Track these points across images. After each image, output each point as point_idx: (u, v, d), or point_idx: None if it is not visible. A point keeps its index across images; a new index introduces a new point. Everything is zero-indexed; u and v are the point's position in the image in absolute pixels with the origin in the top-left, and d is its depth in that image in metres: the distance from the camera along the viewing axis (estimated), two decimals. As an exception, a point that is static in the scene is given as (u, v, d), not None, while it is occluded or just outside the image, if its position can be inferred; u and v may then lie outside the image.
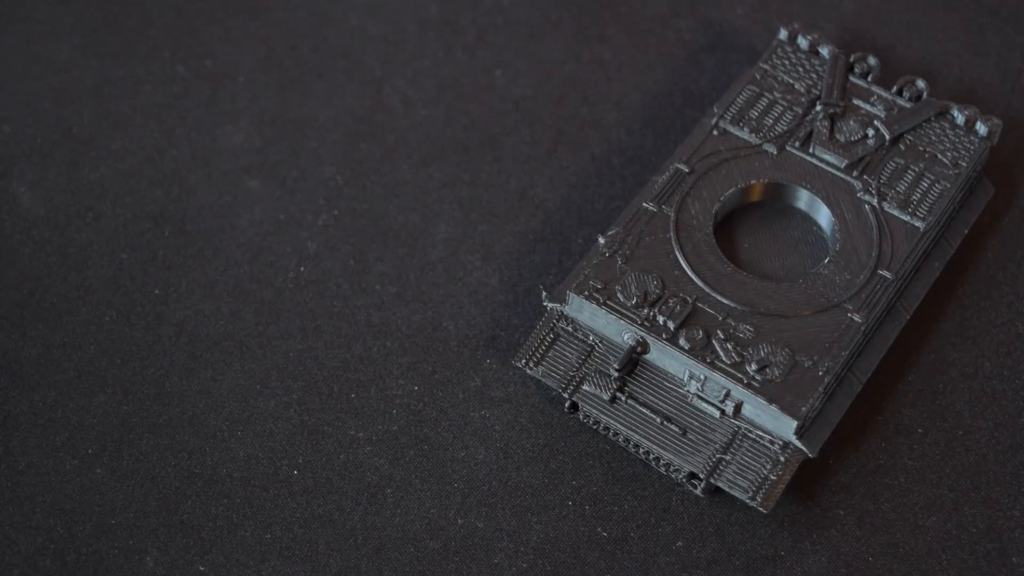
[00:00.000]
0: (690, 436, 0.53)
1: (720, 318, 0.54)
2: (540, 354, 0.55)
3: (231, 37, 0.66)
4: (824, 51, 0.61)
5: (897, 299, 0.56)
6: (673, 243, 0.56)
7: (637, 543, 0.53)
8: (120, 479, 0.54)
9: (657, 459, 0.54)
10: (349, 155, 0.62)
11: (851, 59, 0.61)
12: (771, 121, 0.59)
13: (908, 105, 0.59)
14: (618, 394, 0.54)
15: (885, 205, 0.57)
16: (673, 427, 0.53)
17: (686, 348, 0.53)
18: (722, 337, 0.54)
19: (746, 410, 0.53)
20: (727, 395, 0.53)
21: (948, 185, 0.57)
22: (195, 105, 0.63)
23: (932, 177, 0.58)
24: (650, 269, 0.55)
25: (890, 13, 0.66)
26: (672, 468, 0.54)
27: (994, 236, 0.60)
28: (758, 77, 0.60)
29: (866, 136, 0.58)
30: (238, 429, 0.56)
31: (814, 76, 0.60)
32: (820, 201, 0.58)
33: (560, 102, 0.64)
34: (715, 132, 0.59)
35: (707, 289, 0.55)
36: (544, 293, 0.56)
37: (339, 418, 0.56)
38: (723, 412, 0.53)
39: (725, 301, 0.55)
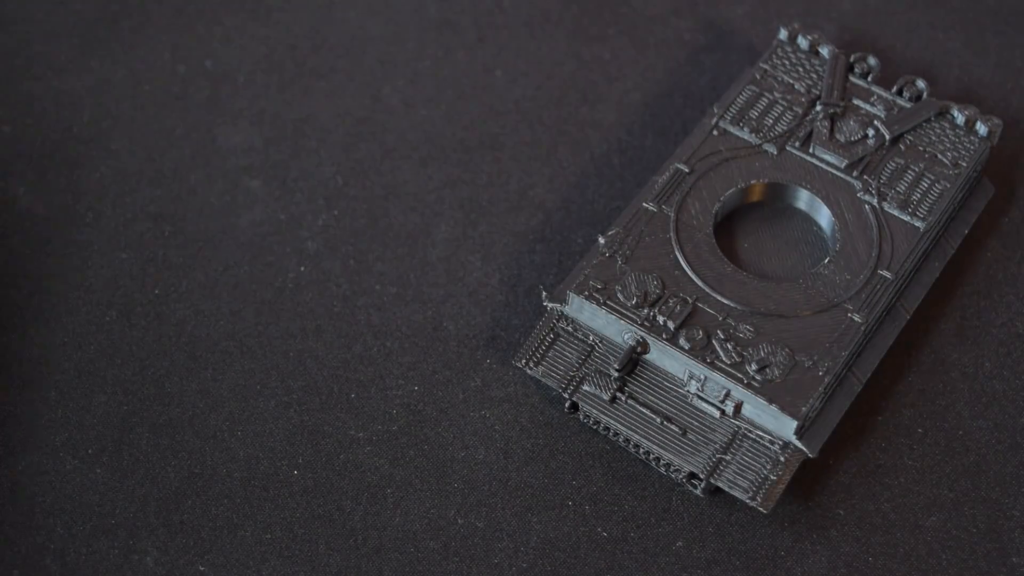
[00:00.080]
0: (690, 436, 0.53)
1: (720, 318, 0.54)
2: (540, 354, 0.55)
3: (231, 37, 0.66)
4: (824, 51, 0.61)
5: (897, 299, 0.56)
6: (673, 243, 0.56)
7: (637, 543, 0.53)
8: (120, 479, 0.54)
9: (657, 459, 0.54)
10: (349, 155, 0.62)
11: (851, 59, 0.61)
12: (771, 121, 0.59)
13: (908, 105, 0.59)
14: (618, 394, 0.54)
15: (885, 205, 0.57)
16: (673, 427, 0.53)
17: (686, 348, 0.53)
18: (722, 337, 0.54)
19: (746, 410, 0.53)
20: (727, 395, 0.53)
21: (948, 185, 0.57)
22: (195, 105, 0.63)
23: (932, 177, 0.58)
24: (650, 269, 0.55)
25: (890, 13, 0.66)
26: (672, 468, 0.54)
27: (994, 236, 0.60)
28: (758, 77, 0.60)
29: (866, 136, 0.58)
30: (238, 429, 0.56)
31: (814, 76, 0.60)
32: (820, 201, 0.58)
33: (560, 102, 0.64)
34: (715, 132, 0.59)
35: (707, 289, 0.55)
36: (544, 293, 0.56)
37: (339, 418, 0.56)
38: (723, 412, 0.53)
39: (725, 301, 0.55)
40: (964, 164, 0.58)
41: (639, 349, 0.54)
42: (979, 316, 0.58)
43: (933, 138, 0.59)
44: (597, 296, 0.54)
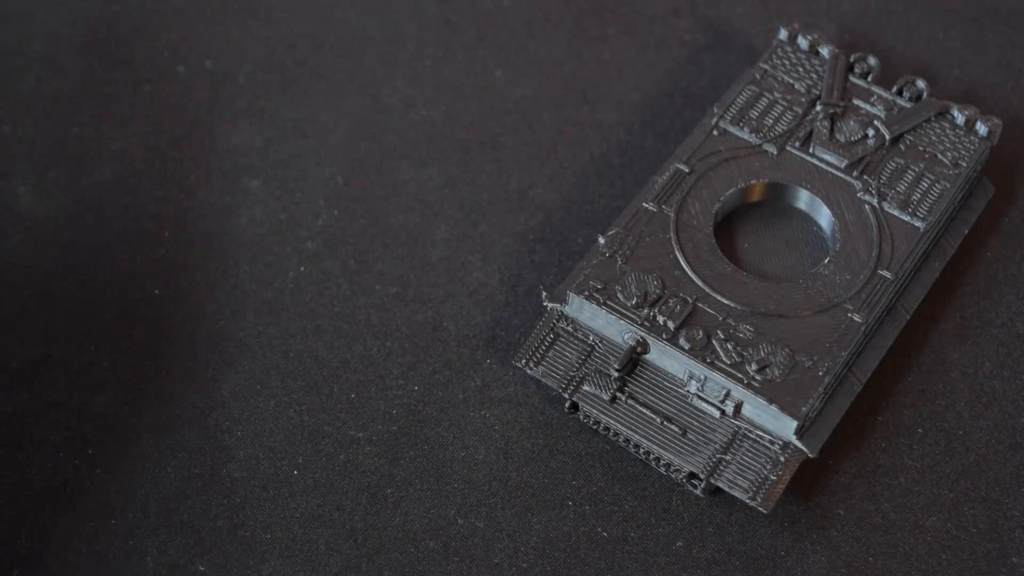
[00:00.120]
0: (690, 436, 0.53)
1: (720, 318, 0.54)
2: (540, 354, 0.55)
3: (231, 37, 0.66)
4: (824, 51, 0.61)
5: (897, 299, 0.56)
6: (673, 243, 0.56)
7: (637, 543, 0.53)
8: (120, 479, 0.54)
9: (657, 459, 0.54)
10: (349, 155, 0.62)
11: (851, 59, 0.61)
12: (771, 121, 0.59)
13: (908, 105, 0.59)
14: (618, 394, 0.54)
15: (885, 205, 0.57)
16: (673, 427, 0.53)
17: (686, 348, 0.53)
18: (722, 337, 0.54)
19: (746, 410, 0.53)
20: (727, 395, 0.53)
21: (948, 185, 0.57)
22: (195, 105, 0.63)
23: (932, 177, 0.58)
24: (650, 269, 0.55)
25: (890, 13, 0.66)
26: (672, 468, 0.54)
27: (994, 236, 0.60)
28: (758, 77, 0.60)
29: (866, 136, 0.58)
30: (238, 429, 0.56)
31: (814, 76, 0.60)
32: (820, 201, 0.58)
33: (560, 102, 0.64)
34: (715, 132, 0.59)
35: (707, 289, 0.55)
36: (544, 293, 0.56)
37: (339, 418, 0.56)
38: (723, 412, 0.53)
39: (725, 301, 0.55)
40: (964, 164, 0.58)
41: (639, 349, 0.54)
42: (979, 316, 0.58)
43: (933, 138, 0.59)
44: (597, 296, 0.54)
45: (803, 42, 0.61)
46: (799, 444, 0.52)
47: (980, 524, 0.54)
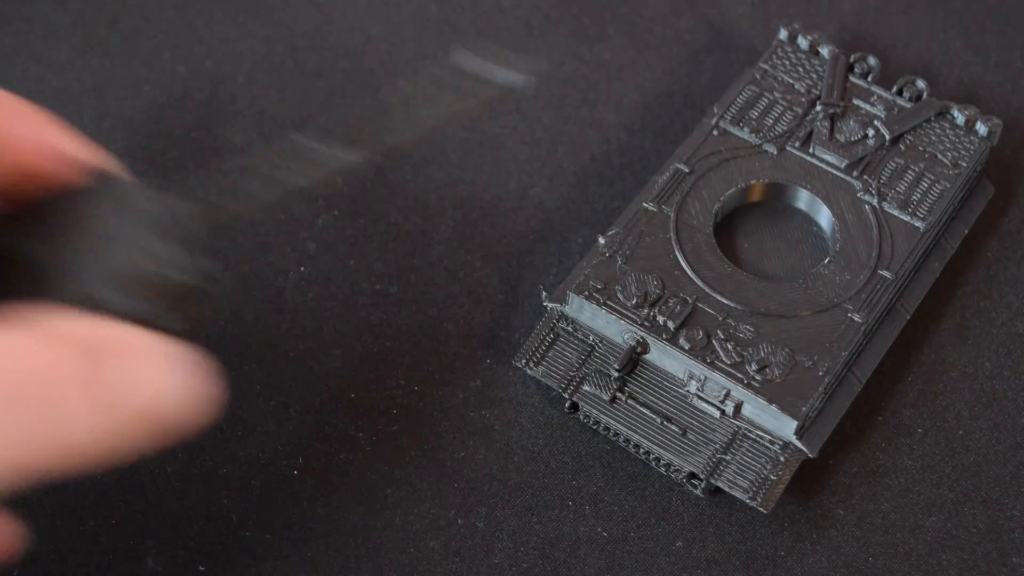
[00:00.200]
0: (690, 436, 0.53)
1: (720, 318, 0.54)
2: (540, 354, 0.55)
3: (231, 37, 0.66)
4: (824, 51, 0.61)
5: (897, 299, 0.56)
6: (673, 243, 0.56)
7: (637, 543, 0.53)
8: (120, 479, 0.54)
9: (657, 459, 0.54)
10: (349, 155, 0.62)
11: (851, 59, 0.61)
12: (771, 121, 0.59)
13: (908, 105, 0.59)
14: (618, 394, 0.54)
15: (885, 205, 0.57)
16: (673, 427, 0.53)
17: (686, 348, 0.53)
18: (722, 337, 0.54)
19: (746, 410, 0.53)
20: (727, 395, 0.53)
21: (948, 185, 0.57)
22: (195, 105, 0.63)
23: (932, 177, 0.58)
24: (650, 269, 0.55)
25: (890, 13, 0.66)
26: (672, 468, 0.54)
27: (994, 236, 0.60)
28: (758, 77, 0.60)
29: (866, 136, 0.58)
30: (238, 429, 0.55)
31: (814, 76, 0.60)
32: (820, 201, 0.58)
33: (560, 102, 0.64)
34: (715, 132, 0.59)
35: (707, 289, 0.55)
36: (544, 293, 0.56)
37: (339, 418, 0.56)
38: (723, 412, 0.53)
39: (725, 301, 0.55)
40: (964, 164, 0.58)
41: (639, 349, 0.54)
42: (979, 316, 0.58)
43: (933, 138, 0.59)
44: (597, 296, 0.54)
45: (803, 42, 0.61)
46: (799, 444, 0.52)
47: (980, 524, 0.54)
